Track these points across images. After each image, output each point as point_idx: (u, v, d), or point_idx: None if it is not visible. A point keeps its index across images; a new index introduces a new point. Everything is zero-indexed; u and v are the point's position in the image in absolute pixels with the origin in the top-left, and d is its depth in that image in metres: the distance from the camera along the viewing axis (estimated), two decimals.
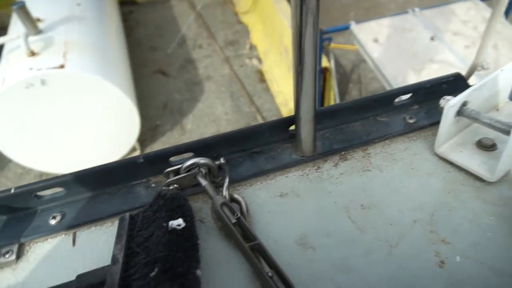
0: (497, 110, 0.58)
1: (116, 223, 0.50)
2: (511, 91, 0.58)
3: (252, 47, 3.47)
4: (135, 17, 3.75)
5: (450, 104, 0.49)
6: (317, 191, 0.52)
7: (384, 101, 0.60)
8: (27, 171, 2.55)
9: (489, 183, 0.49)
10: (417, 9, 2.12)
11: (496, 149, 0.52)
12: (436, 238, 0.45)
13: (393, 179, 0.52)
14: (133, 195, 0.53)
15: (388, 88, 1.85)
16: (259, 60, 3.35)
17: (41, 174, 2.53)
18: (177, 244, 0.38)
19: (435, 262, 0.43)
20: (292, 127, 0.57)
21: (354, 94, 2.87)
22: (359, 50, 2.12)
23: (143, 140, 2.72)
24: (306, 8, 0.40)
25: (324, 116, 0.58)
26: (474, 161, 0.51)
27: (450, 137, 0.54)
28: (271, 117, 2.84)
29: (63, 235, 0.50)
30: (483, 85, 0.51)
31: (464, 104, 0.51)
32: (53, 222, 0.51)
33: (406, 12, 2.12)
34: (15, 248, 0.48)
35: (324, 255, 0.44)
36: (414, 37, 2.00)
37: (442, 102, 0.51)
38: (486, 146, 0.52)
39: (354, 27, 2.17)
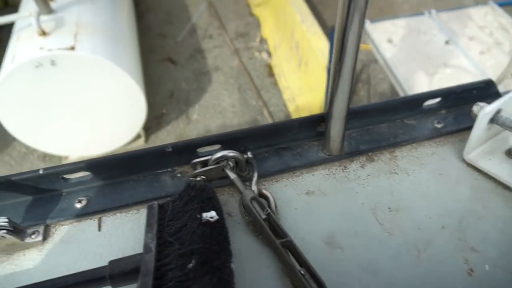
0: None
1: (142, 210, 0.51)
2: None
3: (263, 40, 3.45)
4: (145, 2, 3.72)
5: (485, 111, 0.48)
6: (344, 191, 0.52)
7: (413, 104, 0.60)
8: (31, 151, 2.55)
9: None
10: (433, 11, 2.11)
11: None
12: (464, 245, 0.45)
13: (420, 184, 0.52)
14: (158, 183, 0.53)
15: (399, 90, 1.84)
16: (269, 54, 3.33)
17: (45, 155, 2.53)
18: (211, 236, 0.38)
19: (464, 269, 0.43)
20: (321, 126, 0.56)
21: (362, 94, 2.86)
22: (372, 50, 2.11)
23: (148, 127, 2.72)
24: (354, 5, 0.39)
25: (353, 116, 0.57)
26: (503, 170, 0.51)
27: (480, 144, 0.54)
28: (277, 112, 2.83)
29: (89, 220, 0.50)
30: None
31: (498, 112, 0.51)
32: (78, 205, 0.51)
33: (422, 14, 2.11)
34: (41, 229, 0.48)
35: (352, 255, 0.44)
36: (429, 39, 1.98)
37: (475, 108, 0.51)
38: None
39: (368, 26, 2.15)
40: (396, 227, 0.47)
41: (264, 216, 0.44)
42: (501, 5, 2.11)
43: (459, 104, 0.61)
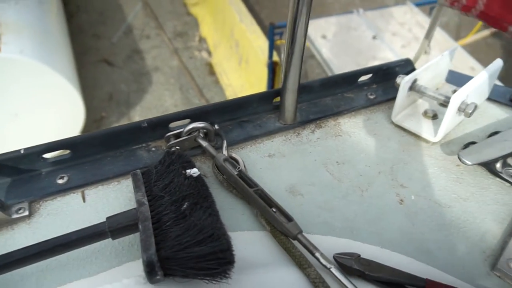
0: (437, 89, 0.72)
1: (123, 181, 0.55)
2: (447, 74, 0.73)
3: (202, 40, 3.48)
4: (75, 2, 3.56)
5: (405, 79, 0.61)
6: (299, 152, 0.61)
7: (350, 80, 0.71)
8: None
9: (433, 143, 0.63)
10: (361, 10, 2.33)
11: (437, 118, 0.66)
12: (396, 184, 0.56)
13: (360, 142, 0.63)
14: (135, 157, 0.58)
15: None
16: (209, 53, 3.37)
17: None
18: (196, 186, 0.45)
19: (396, 200, 0.54)
20: (276, 99, 0.65)
21: None
22: (309, 45, 2.27)
23: (87, 132, 2.63)
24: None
25: (302, 91, 0.67)
26: (421, 128, 0.64)
27: (403, 108, 0.67)
28: None
29: (72, 194, 0.53)
30: (428, 67, 0.64)
31: (415, 81, 0.64)
32: (60, 181, 0.54)
33: (351, 12, 2.32)
34: (26, 205, 0.50)
35: (311, 199, 0.54)
36: (359, 35, 2.19)
37: (398, 79, 0.63)
38: (430, 116, 0.66)
39: None
40: (344, 176, 0.57)
41: (236, 173, 0.52)
42: (417, 5, 2.41)
43: (386, 79, 0.74)
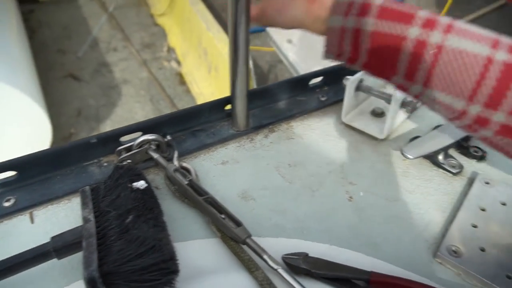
0: (384, 87, 0.75)
1: (73, 199, 0.55)
2: None
3: (170, 50, 3.47)
4: (37, 17, 3.48)
5: (350, 80, 0.63)
6: (252, 157, 0.62)
7: (301, 83, 0.73)
8: None
9: (380, 140, 0.65)
10: None
11: (384, 115, 0.68)
12: (345, 181, 0.58)
13: (311, 144, 0.65)
14: (86, 174, 0.58)
15: None
16: (178, 63, 3.36)
17: None
18: (143, 198, 0.45)
19: (346, 198, 0.56)
20: (228, 107, 0.66)
21: None
22: (276, 51, 2.30)
23: None
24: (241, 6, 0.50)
25: (254, 97, 0.68)
26: (369, 126, 0.66)
27: (352, 108, 0.69)
28: None
29: (20, 216, 0.52)
30: None
31: (361, 81, 0.66)
32: (6, 204, 0.53)
33: None
34: None
35: (263, 203, 0.55)
36: (322, 38, 2.23)
37: (344, 81, 0.65)
38: (377, 114, 0.68)
39: (269, 29, 2.34)
40: (295, 177, 0.59)
41: (187, 182, 0.52)
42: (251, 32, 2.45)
43: (336, 81, 0.76)
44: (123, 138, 0.60)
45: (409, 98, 0.62)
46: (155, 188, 0.56)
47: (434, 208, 0.55)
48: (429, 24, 0.39)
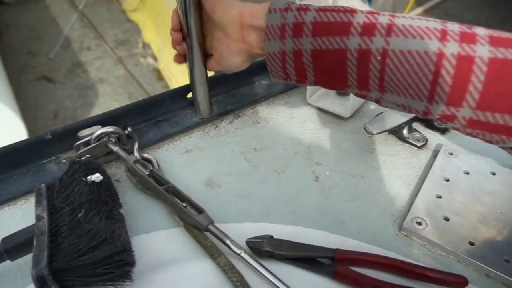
0: None
1: (31, 199, 0.53)
2: None
3: (146, 46, 3.40)
4: (3, 19, 3.36)
5: None
6: (217, 144, 0.61)
7: (266, 66, 0.71)
8: None
9: (346, 119, 0.65)
10: None
11: (349, 94, 0.68)
12: (312, 162, 0.58)
13: (277, 126, 0.64)
14: (44, 172, 0.55)
15: None
16: (155, 58, 3.31)
17: None
18: (98, 192, 0.44)
19: (312, 178, 0.55)
20: (190, 95, 0.65)
21: None
22: None
23: None
24: None
25: (217, 83, 0.67)
26: (335, 105, 0.66)
27: (317, 89, 0.68)
28: None
29: None
30: None
31: None
32: None
33: None
34: None
35: (228, 189, 0.54)
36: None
37: None
38: (342, 93, 0.68)
39: None
40: (261, 161, 0.58)
41: (147, 173, 0.51)
42: None
43: None
44: (82, 133, 0.57)
45: None
46: (116, 181, 0.54)
47: (400, 182, 0.55)
48: (367, 31, 0.36)
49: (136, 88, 3.05)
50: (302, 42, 0.39)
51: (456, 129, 0.37)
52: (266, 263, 0.42)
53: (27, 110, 2.56)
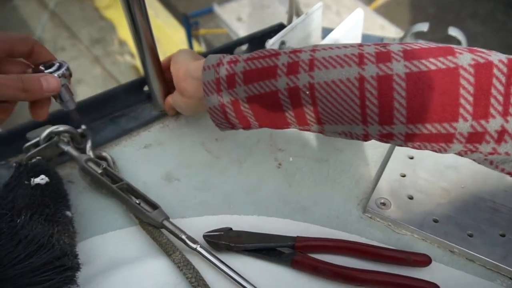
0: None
1: None
2: (322, 31, 0.73)
3: (122, 43, 3.33)
4: None
5: (270, 43, 0.60)
6: (177, 136, 0.58)
7: (226, 52, 0.69)
8: None
9: None
10: None
11: None
12: (274, 149, 0.56)
13: None
14: None
15: None
16: (132, 55, 3.24)
17: None
18: (42, 195, 0.41)
19: (275, 165, 0.54)
20: (146, 88, 0.62)
21: None
22: (227, 31, 2.23)
23: None
24: None
25: None
26: None
27: None
28: None
29: None
30: (294, 26, 0.64)
31: (283, 43, 0.63)
32: None
33: None
34: None
35: (187, 182, 0.52)
36: (272, 12, 2.19)
37: (266, 44, 0.62)
38: None
39: (217, 9, 2.27)
40: (222, 151, 0.56)
41: (100, 171, 0.48)
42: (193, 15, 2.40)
43: (263, 47, 0.73)
44: (31, 134, 0.54)
45: None
46: (70, 182, 0.52)
47: (364, 163, 0.53)
48: (292, 69, 0.38)
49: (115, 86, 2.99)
50: (237, 92, 0.41)
51: (400, 145, 0.38)
52: (223, 256, 0.41)
53: None
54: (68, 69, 0.41)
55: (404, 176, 0.50)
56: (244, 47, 0.72)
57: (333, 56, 0.37)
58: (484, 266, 0.41)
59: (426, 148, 0.37)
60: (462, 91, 0.32)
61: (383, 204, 0.47)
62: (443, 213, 0.45)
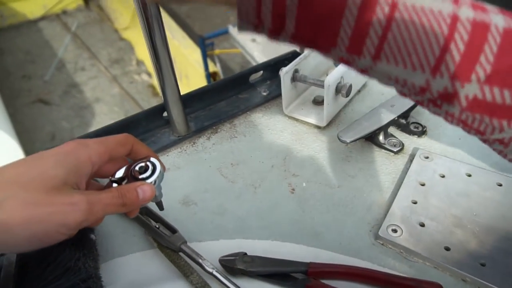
0: (327, 75, 0.75)
1: None
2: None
3: (139, 63, 3.43)
4: None
5: (284, 71, 0.62)
6: (194, 161, 0.61)
7: (241, 80, 0.72)
8: None
9: (323, 128, 0.65)
10: None
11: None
12: (288, 174, 0.58)
13: (254, 140, 0.64)
14: None
15: None
16: (149, 75, 3.33)
17: None
18: None
19: (288, 190, 0.55)
20: (166, 114, 0.65)
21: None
22: (242, 51, 2.29)
23: None
24: (150, 14, 0.49)
25: (192, 100, 0.67)
26: (311, 115, 0.66)
27: (293, 100, 0.68)
28: None
29: None
30: (307, 54, 0.66)
31: (296, 71, 0.66)
32: None
33: None
34: None
35: (204, 206, 0.54)
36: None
37: (280, 72, 0.65)
38: (318, 102, 0.68)
39: (232, 30, 2.33)
40: (237, 176, 0.58)
41: None
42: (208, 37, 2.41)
43: (277, 74, 0.75)
44: None
45: (345, 82, 0.62)
46: None
47: (376, 189, 0.54)
48: None
49: (132, 105, 3.07)
50: None
51: (451, 115, 0.32)
52: (238, 281, 0.42)
53: (24, 134, 2.58)
54: (161, 171, 0.41)
55: (415, 203, 0.51)
56: (259, 74, 0.74)
57: None
58: None
59: (477, 127, 0.32)
60: None
61: (395, 231, 0.47)
62: (455, 241, 0.46)
